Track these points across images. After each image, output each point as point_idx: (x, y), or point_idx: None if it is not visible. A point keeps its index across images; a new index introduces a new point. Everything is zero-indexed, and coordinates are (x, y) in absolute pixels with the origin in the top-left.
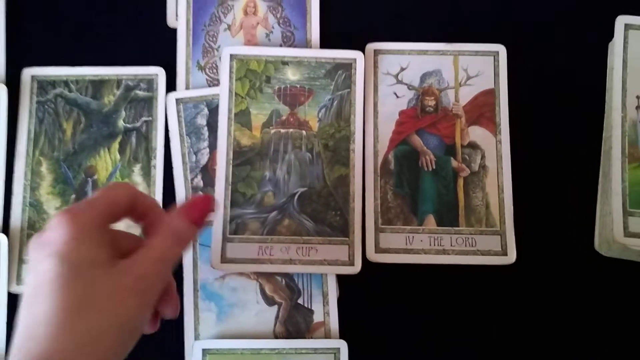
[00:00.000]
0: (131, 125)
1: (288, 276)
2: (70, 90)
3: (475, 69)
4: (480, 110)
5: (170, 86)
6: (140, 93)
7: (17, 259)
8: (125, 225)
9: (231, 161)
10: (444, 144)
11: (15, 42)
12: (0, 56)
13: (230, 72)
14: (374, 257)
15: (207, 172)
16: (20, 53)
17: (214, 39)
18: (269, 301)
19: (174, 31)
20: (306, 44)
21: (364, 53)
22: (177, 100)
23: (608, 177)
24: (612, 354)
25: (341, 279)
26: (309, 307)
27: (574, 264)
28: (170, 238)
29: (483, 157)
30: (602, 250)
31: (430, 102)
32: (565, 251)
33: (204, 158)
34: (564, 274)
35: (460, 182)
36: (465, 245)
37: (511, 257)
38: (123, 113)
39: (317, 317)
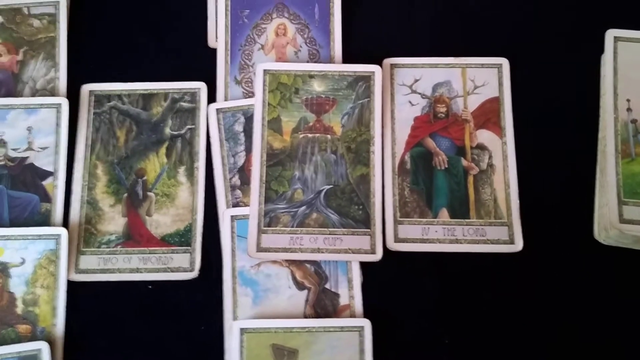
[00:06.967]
0: (177, 132)
1: (316, 264)
2: (123, 103)
3: (482, 79)
4: (487, 115)
5: (211, 98)
6: (185, 104)
7: (75, 250)
8: (171, 219)
9: (265, 162)
10: (455, 145)
11: (74, 61)
12: (63, 74)
13: (264, 85)
14: (393, 246)
15: (244, 172)
16: (79, 71)
17: (249, 57)
18: (300, 286)
19: (214, 51)
20: (330, 60)
21: (381, 67)
22: (217, 110)
23: (604, 172)
24: (610, 331)
25: (364, 266)
26: (336, 291)
27: (575, 251)
28: None
29: (490, 157)
30: (601, 238)
31: (442, 109)
32: (567, 239)
33: (240, 160)
34: (566, 260)
35: (470, 179)
36: (476, 235)
37: (518, 245)
38: (169, 122)
39: (343, 300)
